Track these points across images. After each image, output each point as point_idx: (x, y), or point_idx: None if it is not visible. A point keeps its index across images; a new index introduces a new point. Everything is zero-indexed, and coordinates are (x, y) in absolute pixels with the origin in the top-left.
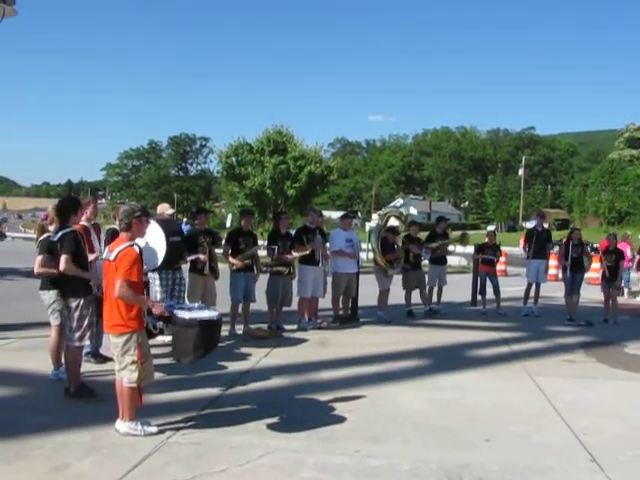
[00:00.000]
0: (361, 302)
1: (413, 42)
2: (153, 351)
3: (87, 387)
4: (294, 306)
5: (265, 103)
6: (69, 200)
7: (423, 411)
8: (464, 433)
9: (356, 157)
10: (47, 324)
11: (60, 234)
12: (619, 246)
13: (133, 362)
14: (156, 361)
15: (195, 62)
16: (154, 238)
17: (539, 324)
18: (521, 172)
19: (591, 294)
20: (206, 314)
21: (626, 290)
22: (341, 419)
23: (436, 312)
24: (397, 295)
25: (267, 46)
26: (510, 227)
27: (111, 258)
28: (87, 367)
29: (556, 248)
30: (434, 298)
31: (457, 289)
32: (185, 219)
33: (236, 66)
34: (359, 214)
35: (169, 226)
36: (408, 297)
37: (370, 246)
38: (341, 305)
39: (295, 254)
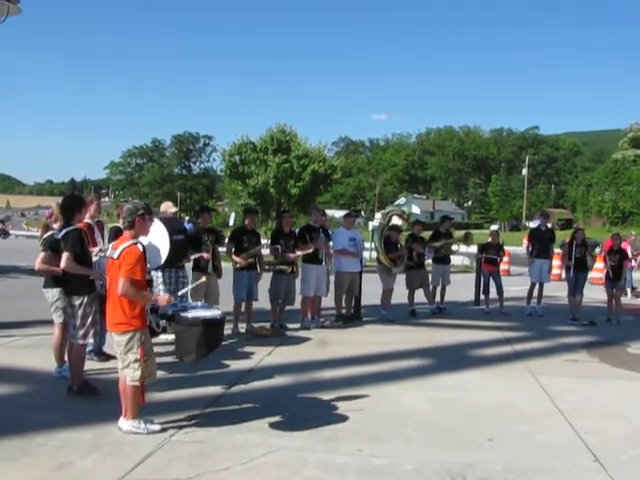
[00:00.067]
0: (364, 301)
1: (416, 42)
2: (156, 349)
3: (90, 385)
4: (297, 305)
5: (268, 103)
6: (73, 198)
7: (426, 410)
8: (467, 432)
9: (359, 156)
10: (50, 322)
11: (64, 232)
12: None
13: (136, 360)
14: (159, 359)
15: (197, 62)
16: (157, 236)
17: (542, 324)
18: (525, 172)
19: (594, 294)
20: (209, 313)
21: (629, 290)
22: (344, 418)
23: (443, 310)
24: (400, 294)
25: (269, 46)
26: (513, 227)
27: (115, 256)
28: (90, 365)
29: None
30: (437, 297)
31: (460, 288)
32: (187, 217)
33: (238, 66)
34: (362, 213)
35: (172, 224)
36: (411, 296)
37: (373, 245)
38: (344, 304)
39: (298, 253)
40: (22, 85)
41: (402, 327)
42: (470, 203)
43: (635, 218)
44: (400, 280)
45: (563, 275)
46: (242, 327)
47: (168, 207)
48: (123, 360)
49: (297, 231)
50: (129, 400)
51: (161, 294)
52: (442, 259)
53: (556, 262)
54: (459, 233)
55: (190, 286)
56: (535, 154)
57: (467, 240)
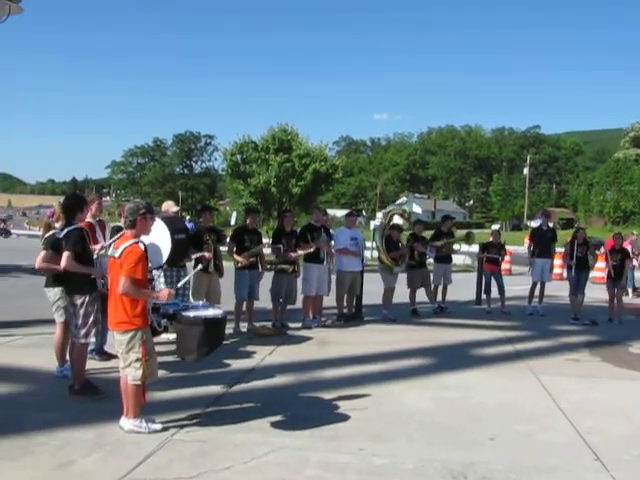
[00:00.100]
0: (365, 300)
1: (417, 41)
2: (157, 349)
3: (91, 384)
4: (299, 304)
5: (270, 102)
6: (75, 198)
7: (427, 410)
8: (468, 432)
9: (361, 155)
10: (52, 321)
11: (65, 231)
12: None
13: (137, 359)
14: (160, 359)
15: (198, 62)
16: (159, 236)
17: (544, 323)
18: (526, 171)
19: (596, 293)
20: (210, 312)
21: (630, 290)
22: (345, 417)
23: (444, 310)
24: (401, 294)
25: (271, 46)
26: (515, 226)
27: (116, 255)
28: (91, 364)
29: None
30: (439, 297)
31: (462, 288)
32: (188, 217)
33: (240, 66)
34: (363, 212)
35: (174, 224)
36: (413, 296)
37: (374, 244)
38: (345, 303)
39: (300, 252)
40: (24, 85)
41: (403, 326)
42: (471, 202)
43: (636, 217)
44: (402, 279)
45: (564, 274)
46: (243, 326)
47: (169, 206)
48: (124, 359)
49: (299, 230)
50: (130, 399)
51: (162, 288)
52: (444, 258)
53: (557, 261)
54: (461, 232)
55: (187, 276)
56: (536, 153)
57: (469, 239)
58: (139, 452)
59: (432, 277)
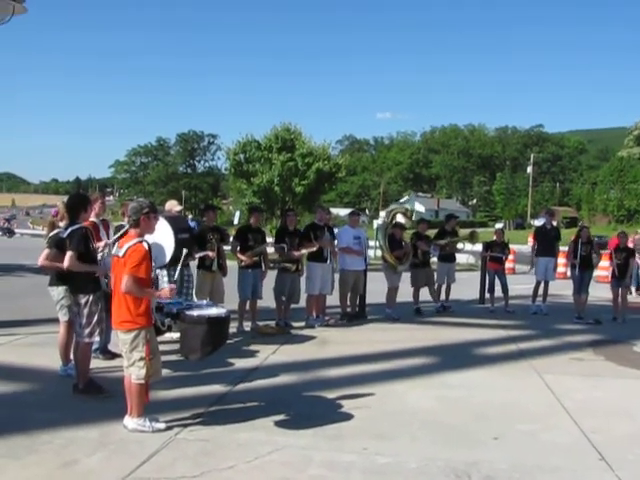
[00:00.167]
0: (369, 299)
1: (420, 41)
2: (161, 348)
3: (95, 383)
4: (302, 303)
5: (273, 101)
6: (79, 197)
7: (431, 409)
8: (472, 431)
9: (364, 154)
10: (56, 320)
11: (69, 230)
12: (610, 242)
13: (141, 358)
14: (164, 358)
15: (201, 61)
16: (162, 235)
17: (547, 322)
18: (529, 170)
19: (600, 292)
20: (214, 311)
21: (633, 288)
22: (349, 416)
23: (448, 309)
24: (405, 293)
25: (275, 45)
26: (518, 225)
27: (120, 254)
28: (95, 363)
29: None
30: (442, 296)
31: (465, 287)
32: (190, 216)
33: (243, 65)
34: (367, 211)
35: (177, 223)
36: (416, 295)
37: (378, 243)
38: (349, 302)
39: (303, 251)
40: (27, 84)
41: (407, 325)
42: (475, 201)
43: None
44: (405, 278)
45: (568, 273)
46: (247, 325)
47: (173, 205)
48: (128, 358)
49: (302, 229)
50: (134, 398)
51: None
52: (447, 257)
53: (561, 260)
54: (465, 231)
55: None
56: (540, 152)
57: (473, 238)
58: (143, 451)
59: (436, 276)
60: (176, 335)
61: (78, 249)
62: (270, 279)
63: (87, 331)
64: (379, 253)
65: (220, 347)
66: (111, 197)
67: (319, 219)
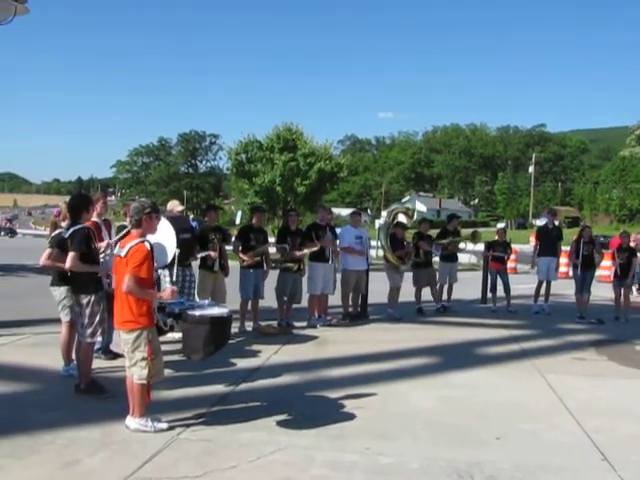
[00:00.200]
0: (371, 299)
1: (422, 41)
2: (163, 348)
3: (97, 383)
4: (304, 303)
5: (274, 101)
6: (81, 197)
7: (433, 409)
8: (474, 431)
9: (366, 154)
10: (58, 320)
11: (71, 231)
12: (612, 242)
13: (143, 358)
14: (166, 358)
15: (203, 61)
16: (164, 235)
17: (550, 322)
18: (531, 169)
19: (602, 292)
20: (216, 311)
21: (634, 288)
22: (351, 416)
23: (448, 309)
24: (407, 292)
25: (277, 45)
26: (520, 225)
27: (122, 254)
28: (97, 363)
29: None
30: (444, 295)
31: (467, 287)
32: (192, 216)
33: (244, 65)
34: (368, 211)
35: (179, 223)
36: (418, 294)
37: (379, 243)
38: (351, 302)
39: (305, 251)
40: (27, 84)
41: (409, 325)
42: (476, 201)
43: None
44: (407, 278)
45: (570, 273)
46: (249, 325)
47: (175, 205)
48: (130, 358)
49: (304, 229)
50: (136, 398)
51: (167, 287)
52: (449, 257)
53: (563, 260)
54: (467, 231)
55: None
56: (542, 152)
57: (475, 238)
58: (145, 451)
59: (438, 276)
60: (178, 335)
61: (80, 249)
62: (272, 279)
63: (89, 331)
64: (381, 253)
65: (222, 347)
66: (113, 197)
67: (321, 219)
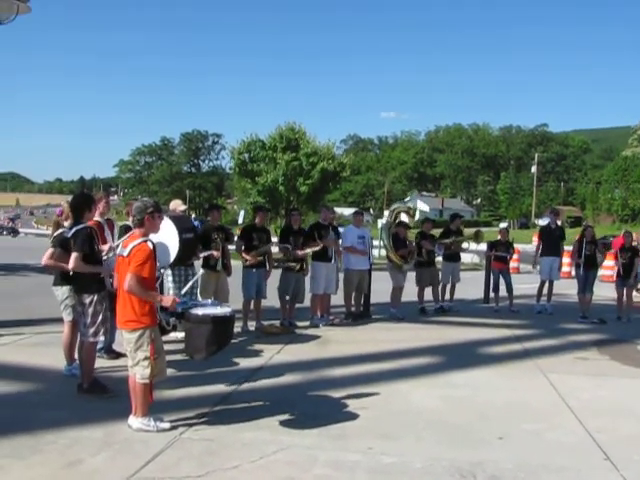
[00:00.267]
0: (373, 299)
1: (425, 41)
2: (166, 347)
3: (100, 383)
4: (306, 303)
5: (277, 101)
6: (83, 197)
7: (435, 408)
8: (477, 431)
9: (368, 154)
10: (60, 320)
11: (74, 230)
12: (615, 241)
13: (146, 358)
14: (169, 357)
15: (206, 60)
16: (167, 235)
17: (552, 321)
18: (534, 169)
19: (604, 292)
20: (219, 310)
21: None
22: (353, 416)
23: (447, 310)
24: (409, 292)
25: (279, 45)
26: (522, 224)
27: (125, 254)
28: (100, 363)
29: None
30: (447, 295)
31: (470, 286)
32: (194, 215)
33: (247, 65)
34: (371, 211)
35: (182, 223)
36: (421, 294)
37: (382, 243)
38: (353, 302)
39: (307, 250)
40: (28, 84)
41: (411, 325)
42: (479, 201)
43: None
44: (410, 278)
45: (573, 273)
46: (251, 325)
47: (177, 205)
48: (133, 358)
49: (306, 229)
50: (139, 398)
51: (171, 292)
52: (452, 257)
53: (566, 260)
54: (469, 231)
55: (189, 284)
56: (544, 151)
57: (477, 238)
58: (148, 451)
59: (440, 275)
60: (181, 334)
61: (83, 250)
62: (274, 278)
63: (92, 330)
64: (383, 252)
65: (225, 347)
66: (115, 197)
67: (324, 218)
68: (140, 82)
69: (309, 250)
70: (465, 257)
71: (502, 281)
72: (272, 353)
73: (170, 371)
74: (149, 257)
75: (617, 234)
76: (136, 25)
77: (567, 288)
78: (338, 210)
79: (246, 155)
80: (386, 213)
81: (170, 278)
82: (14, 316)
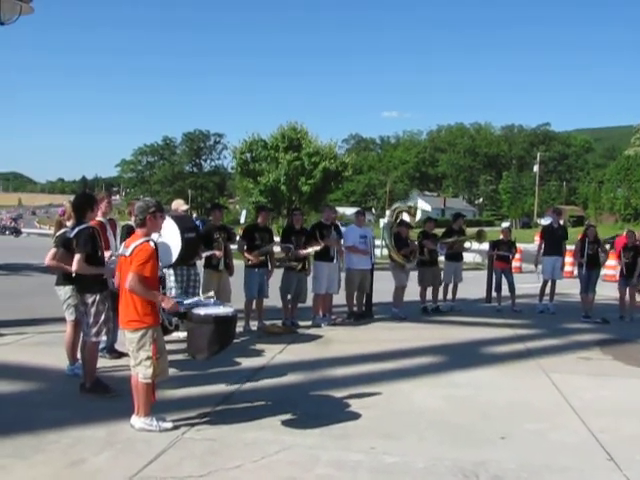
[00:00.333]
0: (375, 299)
1: (426, 40)
2: (168, 347)
3: (102, 383)
4: (309, 302)
5: (279, 100)
6: (85, 197)
7: (438, 408)
8: (479, 430)
9: (370, 153)
10: (62, 319)
11: (76, 230)
12: (617, 241)
13: (148, 358)
14: (171, 357)
15: (208, 60)
16: (169, 234)
17: (555, 321)
18: (536, 168)
19: (607, 291)
20: (221, 310)
21: None
22: (356, 415)
23: (444, 311)
24: (411, 292)
25: (281, 45)
26: (525, 224)
27: (127, 253)
28: (102, 363)
29: (607, 246)
30: (449, 295)
31: (472, 286)
32: (195, 215)
33: (249, 64)
34: (373, 210)
35: (184, 222)
36: (423, 294)
37: (384, 243)
38: (355, 301)
39: (309, 250)
40: (30, 84)
41: (414, 324)
42: (481, 200)
43: None
44: (412, 277)
45: (575, 272)
46: (254, 325)
47: (179, 205)
48: (135, 357)
49: (309, 228)
50: (141, 398)
51: (173, 292)
52: (454, 256)
53: (568, 259)
54: (472, 230)
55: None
56: (546, 151)
57: (480, 237)
58: (150, 450)
59: (442, 275)
60: (183, 334)
61: (85, 250)
62: (277, 278)
63: (94, 330)
64: (385, 252)
65: (227, 346)
66: (117, 196)
67: (326, 218)
68: (141, 82)
69: (311, 250)
70: (467, 257)
71: (504, 280)
72: (274, 353)
73: (172, 371)
74: (151, 257)
75: (620, 233)
76: (136, 25)
77: (570, 288)
78: (340, 210)
79: (248, 155)
80: (388, 212)
81: (172, 278)
82: (17, 316)
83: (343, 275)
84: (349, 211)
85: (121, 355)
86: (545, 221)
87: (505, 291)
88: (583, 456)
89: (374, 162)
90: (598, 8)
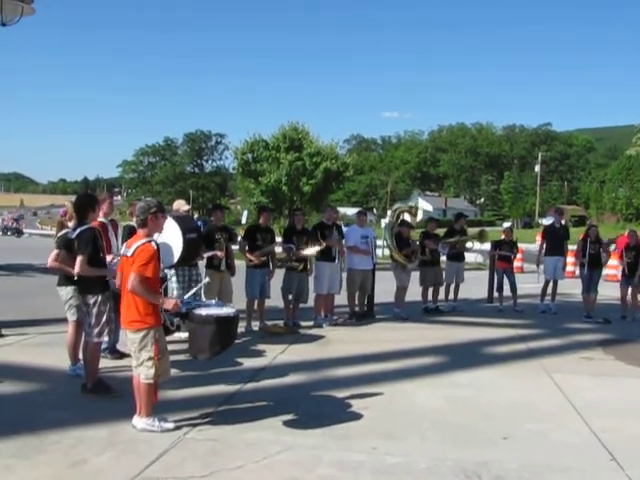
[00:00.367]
0: (377, 299)
1: (427, 40)
2: (170, 347)
3: (104, 383)
4: (310, 303)
5: (280, 101)
6: (87, 197)
7: (440, 408)
8: (481, 431)
9: (371, 154)
10: (64, 320)
11: (78, 231)
12: (619, 240)
13: (150, 358)
14: (172, 357)
15: (209, 60)
16: (171, 235)
17: (556, 321)
18: (537, 168)
19: (609, 291)
20: (223, 310)
21: None
22: (358, 416)
23: (444, 311)
24: (413, 292)
25: (282, 45)
26: (526, 224)
27: (129, 254)
28: (104, 363)
29: (612, 247)
30: (451, 295)
31: (473, 286)
32: (196, 215)
33: (250, 64)
34: (374, 210)
35: (185, 223)
36: (425, 294)
37: (385, 243)
38: (357, 302)
39: (311, 249)
40: (31, 84)
41: (415, 325)
42: (482, 200)
43: None
44: (414, 278)
45: (577, 272)
46: (255, 325)
47: (181, 205)
48: (137, 358)
49: (310, 228)
50: (143, 398)
51: (175, 293)
52: (456, 256)
53: (570, 259)
54: (474, 230)
55: (193, 290)
56: (548, 151)
57: (482, 237)
58: (152, 451)
59: (444, 275)
60: (185, 335)
61: (87, 252)
62: (278, 278)
63: (96, 331)
64: (387, 252)
65: (229, 347)
66: (119, 197)
67: (327, 218)
68: (141, 82)
69: (312, 250)
70: (469, 257)
71: (506, 280)
72: (276, 353)
73: (174, 371)
74: (152, 257)
75: (622, 233)
76: (136, 25)
77: (571, 288)
78: (341, 210)
79: (249, 155)
80: (389, 213)
81: (174, 279)
82: (18, 316)
83: (344, 275)
84: (350, 211)
85: (123, 355)
86: (547, 221)
87: (507, 291)
88: (585, 456)
89: (375, 162)
90: (598, 8)
